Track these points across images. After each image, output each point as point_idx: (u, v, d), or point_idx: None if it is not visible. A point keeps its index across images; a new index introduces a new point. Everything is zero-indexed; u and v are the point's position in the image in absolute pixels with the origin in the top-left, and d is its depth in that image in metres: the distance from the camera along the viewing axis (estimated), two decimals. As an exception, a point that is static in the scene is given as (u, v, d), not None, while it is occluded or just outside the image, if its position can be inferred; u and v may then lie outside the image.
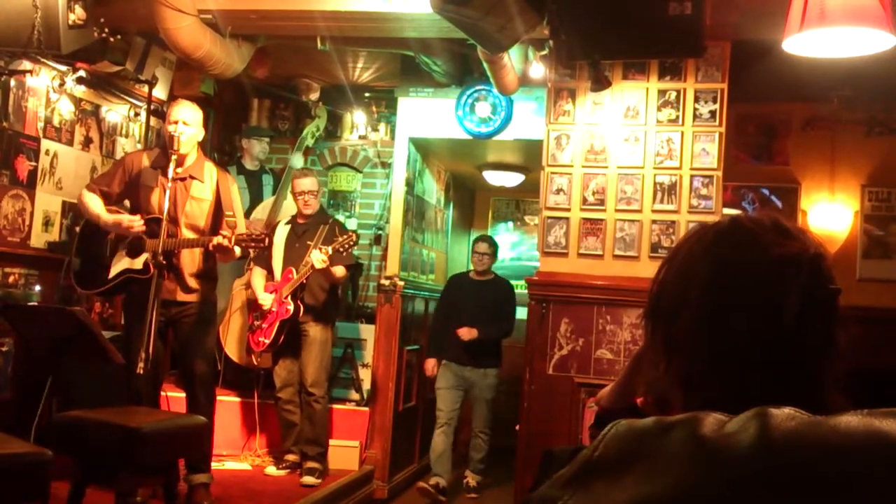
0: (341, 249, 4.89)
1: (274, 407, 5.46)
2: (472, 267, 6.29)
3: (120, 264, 4.25)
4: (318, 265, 4.89)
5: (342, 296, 5.95)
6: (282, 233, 5.35)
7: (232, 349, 5.69)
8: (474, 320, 5.84)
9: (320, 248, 4.93)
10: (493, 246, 6.18)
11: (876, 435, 0.65)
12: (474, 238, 6.54)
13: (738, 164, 5.37)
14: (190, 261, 4.29)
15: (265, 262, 5.32)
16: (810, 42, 2.89)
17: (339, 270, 5.11)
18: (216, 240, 4.07)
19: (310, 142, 6.58)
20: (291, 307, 5.10)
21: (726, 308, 0.93)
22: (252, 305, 5.37)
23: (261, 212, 6.09)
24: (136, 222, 4.20)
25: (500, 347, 6.12)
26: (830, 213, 5.32)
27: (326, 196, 6.80)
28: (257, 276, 5.35)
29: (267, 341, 5.16)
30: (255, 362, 5.46)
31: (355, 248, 5.13)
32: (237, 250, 4.25)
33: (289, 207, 6.00)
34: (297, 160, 6.44)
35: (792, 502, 0.64)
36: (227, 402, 5.54)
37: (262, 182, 6.43)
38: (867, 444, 0.65)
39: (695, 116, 4.45)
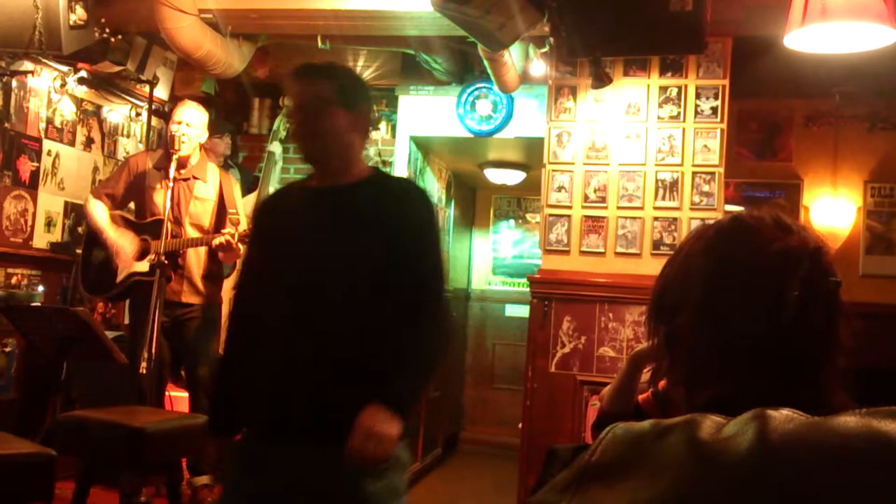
0: None
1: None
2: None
3: (126, 267, 4.25)
4: None
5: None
6: None
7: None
8: (325, 309, 2.19)
9: None
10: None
11: (875, 436, 0.65)
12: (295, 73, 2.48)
13: (741, 161, 5.36)
14: (196, 262, 4.30)
15: None
16: (812, 38, 2.88)
17: None
18: (219, 238, 4.08)
19: (283, 133, 6.56)
20: None
21: (727, 304, 0.93)
22: None
23: (242, 208, 6.06)
24: (124, 255, 4.18)
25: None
26: (833, 210, 5.31)
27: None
28: None
29: None
30: None
31: None
32: (242, 248, 4.25)
33: None
34: (276, 147, 6.43)
35: None
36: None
37: None
38: (866, 445, 0.65)
39: (696, 113, 4.45)
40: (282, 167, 6.51)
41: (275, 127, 6.49)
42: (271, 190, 6.06)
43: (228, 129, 6.56)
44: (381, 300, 2.17)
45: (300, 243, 2.26)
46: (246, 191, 6.33)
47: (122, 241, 4.21)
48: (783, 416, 0.68)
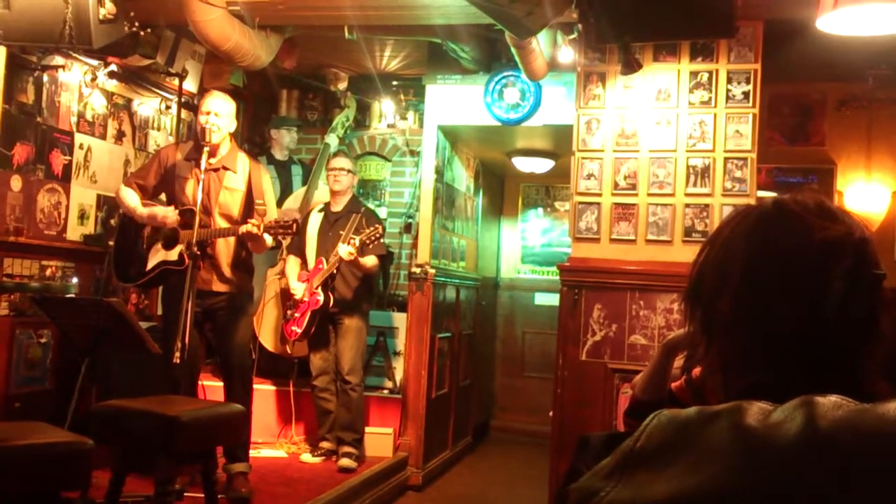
0: (368, 241, 4.91)
1: (309, 395, 5.50)
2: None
3: (156, 256, 4.30)
4: (346, 257, 4.92)
5: (375, 285, 5.96)
6: (315, 220, 5.38)
7: (266, 338, 5.74)
8: None
9: (348, 241, 4.96)
10: None
11: None
12: None
13: (773, 146, 5.30)
14: (225, 251, 4.33)
15: (298, 250, 5.36)
16: (844, 20, 2.84)
17: (370, 260, 5.12)
18: (244, 228, 4.11)
19: (340, 132, 6.61)
20: (321, 297, 5.14)
21: (768, 291, 0.91)
22: (286, 294, 5.42)
23: (293, 202, 6.12)
24: (171, 215, 4.25)
25: None
26: (867, 194, 5.23)
27: (356, 185, 6.82)
28: (291, 264, 5.39)
29: (299, 331, 5.21)
30: (289, 351, 5.50)
31: (383, 238, 5.11)
32: (268, 239, 4.27)
33: (321, 197, 6.03)
34: (333, 139, 6.48)
35: (840, 492, 0.63)
36: (263, 391, 5.59)
37: (291, 172, 6.47)
38: None
39: (727, 98, 4.40)
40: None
41: (333, 124, 6.55)
42: (321, 185, 6.10)
43: (296, 123, 6.63)
44: None
45: None
46: (300, 184, 6.41)
47: (154, 209, 4.30)
48: (831, 403, 0.67)
